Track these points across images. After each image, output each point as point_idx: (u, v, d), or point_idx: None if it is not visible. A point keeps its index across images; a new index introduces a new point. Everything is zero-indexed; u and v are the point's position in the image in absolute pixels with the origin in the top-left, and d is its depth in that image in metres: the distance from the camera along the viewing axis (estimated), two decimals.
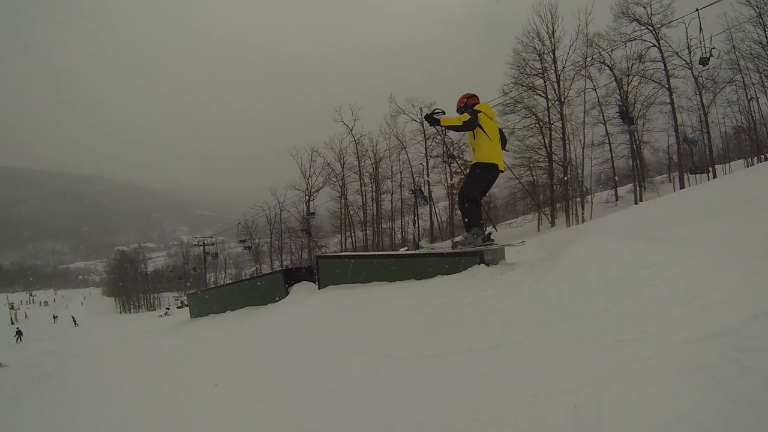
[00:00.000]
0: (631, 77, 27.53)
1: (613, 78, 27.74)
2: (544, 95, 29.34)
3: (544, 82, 29.12)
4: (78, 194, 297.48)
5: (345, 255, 6.48)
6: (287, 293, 7.53)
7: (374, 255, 6.03)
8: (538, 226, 30.81)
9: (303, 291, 7.33)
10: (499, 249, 5.08)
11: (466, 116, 4.66)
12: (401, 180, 35.99)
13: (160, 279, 72.28)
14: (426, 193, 31.37)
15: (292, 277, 7.92)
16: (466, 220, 5.05)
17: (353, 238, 38.92)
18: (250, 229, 44.56)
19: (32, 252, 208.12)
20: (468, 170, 5.37)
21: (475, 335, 2.79)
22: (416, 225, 35.91)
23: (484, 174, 5.00)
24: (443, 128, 5.53)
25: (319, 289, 6.86)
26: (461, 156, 32.68)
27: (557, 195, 29.93)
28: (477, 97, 5.29)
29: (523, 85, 29.51)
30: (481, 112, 4.81)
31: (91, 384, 6.00)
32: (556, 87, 28.66)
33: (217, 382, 3.88)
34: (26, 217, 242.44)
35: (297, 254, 43.65)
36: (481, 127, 4.79)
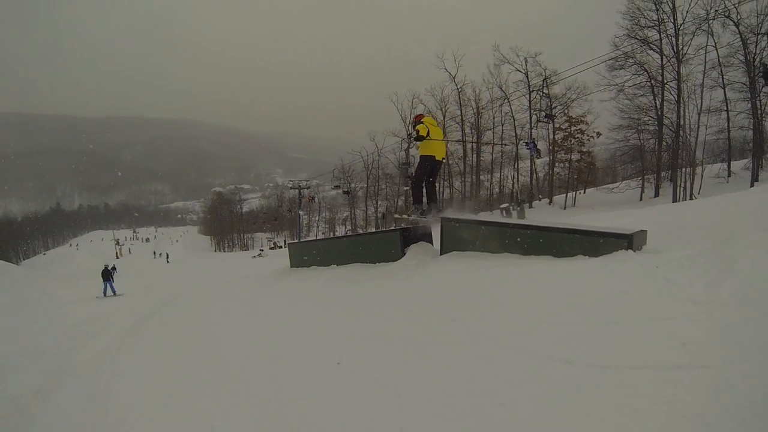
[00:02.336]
0: (759, 36, 25.38)
1: (739, 35, 25.65)
2: (658, 51, 27.99)
3: (660, 35, 27.57)
4: (178, 138, 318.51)
5: (476, 220, 6.27)
6: (403, 254, 7.34)
7: (509, 224, 5.86)
8: (641, 194, 30.24)
9: (422, 254, 7.06)
10: (642, 233, 4.70)
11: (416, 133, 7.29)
12: (502, 132, 36.58)
13: (254, 220, 75.68)
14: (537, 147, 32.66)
15: (408, 236, 7.70)
16: (411, 197, 7.49)
17: (451, 188, 39.52)
18: (347, 174, 47.12)
19: (136, 193, 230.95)
20: (418, 160, 7.67)
21: (649, 347, 2.49)
22: (516, 179, 36.57)
23: (426, 163, 7.37)
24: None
25: (441, 254, 6.55)
26: (566, 112, 33.77)
27: (664, 163, 29.08)
28: (422, 114, 7.89)
29: (636, 38, 28.16)
30: (424, 122, 7.36)
31: (192, 335, 6.08)
32: (673, 42, 27.00)
33: (339, 360, 3.56)
34: (131, 161, 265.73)
35: (392, 200, 45.00)
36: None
